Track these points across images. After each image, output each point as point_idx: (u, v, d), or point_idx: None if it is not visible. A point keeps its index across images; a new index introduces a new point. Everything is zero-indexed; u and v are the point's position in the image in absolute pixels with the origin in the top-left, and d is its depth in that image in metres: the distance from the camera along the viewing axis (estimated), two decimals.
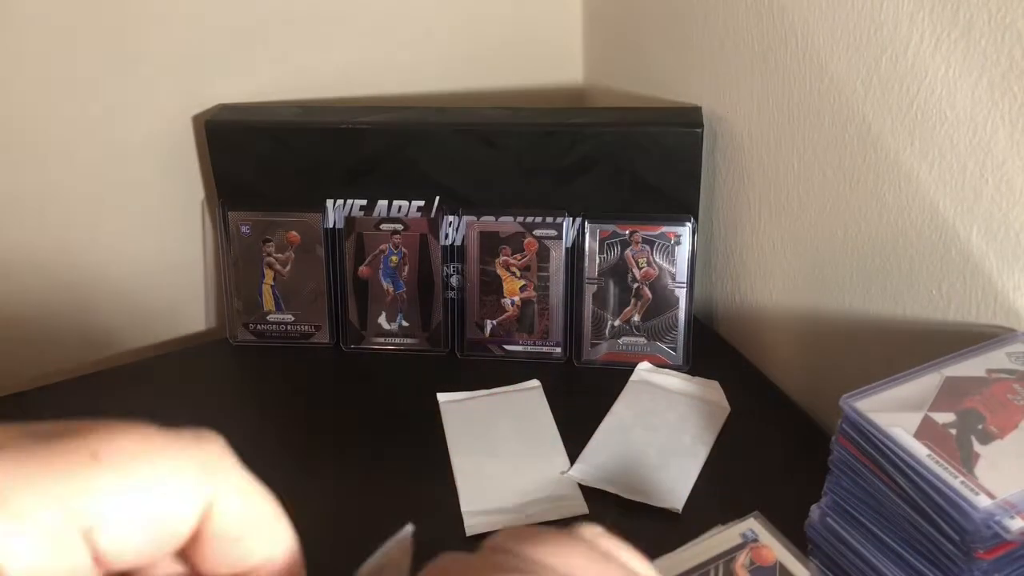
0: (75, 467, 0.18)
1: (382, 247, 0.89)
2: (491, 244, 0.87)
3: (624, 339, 0.87)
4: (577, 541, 0.23)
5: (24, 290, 0.88)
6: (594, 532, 0.24)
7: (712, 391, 0.82)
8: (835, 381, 0.58)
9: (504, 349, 0.89)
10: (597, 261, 0.86)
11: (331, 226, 0.89)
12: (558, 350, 0.88)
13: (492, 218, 0.87)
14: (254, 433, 0.79)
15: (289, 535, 0.22)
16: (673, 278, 0.85)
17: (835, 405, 0.53)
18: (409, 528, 0.24)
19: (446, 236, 0.88)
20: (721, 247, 0.91)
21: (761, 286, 0.86)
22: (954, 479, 0.48)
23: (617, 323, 0.87)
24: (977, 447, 0.50)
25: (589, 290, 0.87)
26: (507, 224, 0.87)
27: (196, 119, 0.90)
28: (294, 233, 0.89)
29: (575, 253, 0.87)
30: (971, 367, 0.55)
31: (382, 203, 0.89)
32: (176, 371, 0.90)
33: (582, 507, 0.69)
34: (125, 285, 0.93)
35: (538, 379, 0.84)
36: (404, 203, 0.89)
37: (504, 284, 0.88)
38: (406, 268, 0.89)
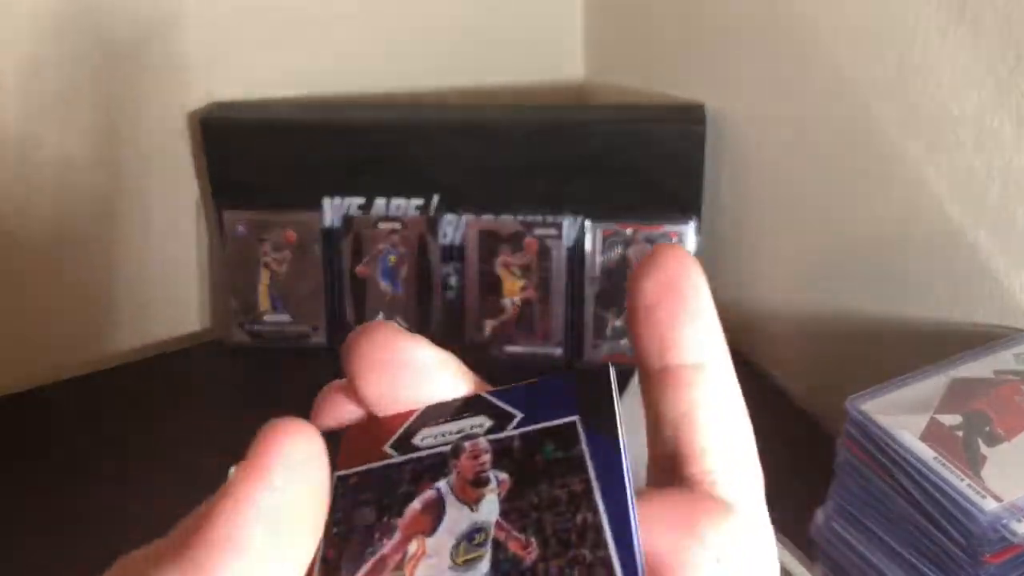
0: None
1: (380, 246, 0.88)
2: (491, 243, 0.87)
3: (626, 340, 0.86)
4: None
5: (18, 289, 0.88)
6: None
7: None
8: (840, 383, 0.58)
9: (504, 350, 0.88)
10: (598, 260, 0.85)
11: (328, 225, 0.88)
12: (559, 351, 0.87)
13: (492, 217, 0.87)
14: (249, 436, 0.78)
15: None
16: None
17: (840, 407, 0.53)
18: None
19: (445, 235, 0.88)
20: (724, 246, 0.90)
21: (765, 286, 0.86)
22: (960, 482, 0.47)
23: (619, 323, 0.86)
24: (984, 449, 0.49)
25: (590, 290, 0.86)
26: (507, 223, 0.86)
27: (191, 116, 0.89)
28: (291, 232, 0.88)
29: (576, 253, 0.86)
30: (978, 368, 0.55)
31: (380, 202, 0.88)
32: (171, 372, 0.89)
33: None
34: (119, 285, 0.92)
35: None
36: (402, 202, 0.88)
37: (504, 284, 0.87)
38: (404, 268, 0.88)
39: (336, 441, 0.23)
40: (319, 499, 0.19)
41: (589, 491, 0.21)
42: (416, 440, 0.23)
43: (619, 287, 0.85)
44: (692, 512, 0.19)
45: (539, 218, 0.86)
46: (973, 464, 0.48)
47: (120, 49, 0.84)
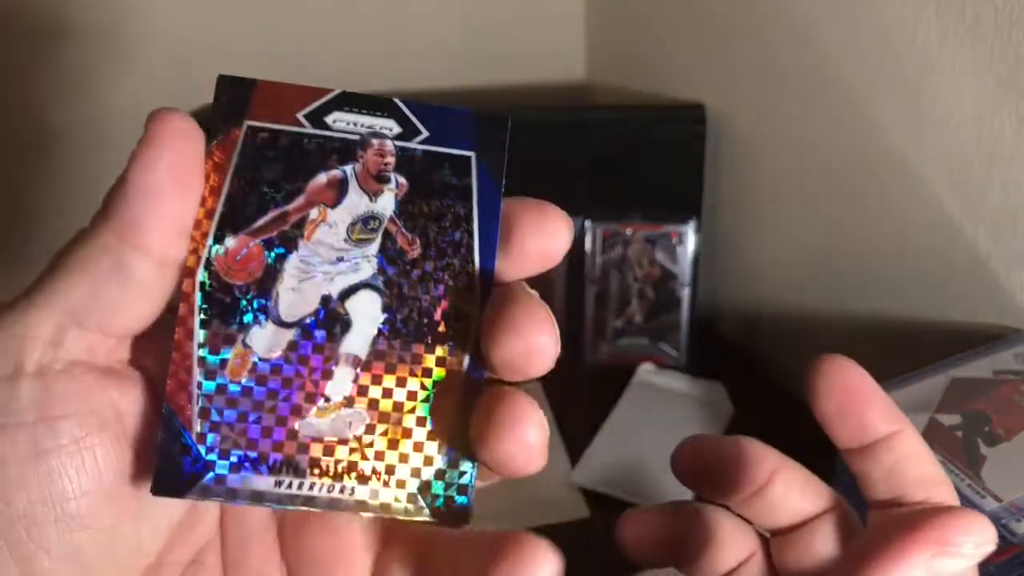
0: None
1: None
2: None
3: (626, 340, 0.86)
4: None
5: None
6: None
7: (715, 392, 0.81)
8: None
9: None
10: (598, 261, 0.85)
11: None
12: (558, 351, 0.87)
13: None
14: None
15: None
16: (676, 278, 0.84)
17: None
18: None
19: None
20: (724, 247, 0.90)
21: (765, 286, 0.86)
22: (960, 482, 0.47)
23: (619, 324, 0.86)
24: (984, 449, 0.49)
25: (590, 290, 0.86)
26: None
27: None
28: None
29: (576, 253, 0.86)
30: (977, 368, 0.55)
31: None
32: None
33: (583, 511, 0.69)
34: None
35: (538, 381, 0.84)
36: None
37: None
38: None
39: (248, 90, 0.26)
40: (200, 158, 0.24)
41: (469, 217, 0.25)
42: (328, 119, 0.25)
43: (619, 287, 0.85)
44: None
45: None
46: (973, 464, 0.48)
47: (116, 46, 0.84)
